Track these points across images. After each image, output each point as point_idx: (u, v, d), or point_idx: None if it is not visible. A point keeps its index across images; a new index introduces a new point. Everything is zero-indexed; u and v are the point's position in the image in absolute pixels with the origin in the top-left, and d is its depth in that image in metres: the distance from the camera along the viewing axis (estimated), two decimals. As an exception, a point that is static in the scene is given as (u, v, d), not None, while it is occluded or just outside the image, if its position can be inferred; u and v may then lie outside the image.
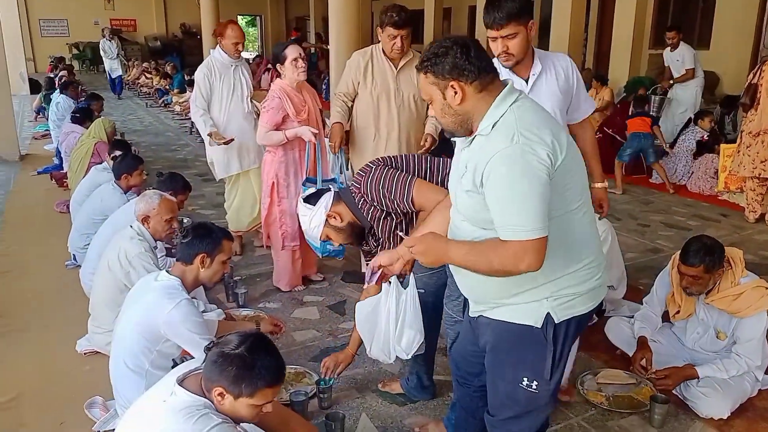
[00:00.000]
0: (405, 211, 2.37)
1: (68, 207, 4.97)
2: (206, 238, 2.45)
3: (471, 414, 2.25)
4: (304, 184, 3.46)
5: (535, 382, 1.80)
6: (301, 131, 3.59)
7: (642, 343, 2.96)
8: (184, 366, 1.91)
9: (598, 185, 2.83)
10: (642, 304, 3.21)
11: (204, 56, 16.33)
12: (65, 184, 6.12)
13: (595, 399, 2.82)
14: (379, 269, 2.13)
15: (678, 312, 2.95)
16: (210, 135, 4.19)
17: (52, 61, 15.16)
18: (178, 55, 20.77)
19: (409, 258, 1.85)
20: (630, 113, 7.31)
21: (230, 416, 1.77)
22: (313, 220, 2.45)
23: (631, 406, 2.77)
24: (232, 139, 4.20)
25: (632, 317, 3.23)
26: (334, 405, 2.76)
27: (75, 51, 21.73)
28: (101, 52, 14.63)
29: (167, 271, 2.46)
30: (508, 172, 1.56)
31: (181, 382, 1.80)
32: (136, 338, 2.37)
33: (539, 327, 1.73)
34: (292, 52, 3.64)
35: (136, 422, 1.79)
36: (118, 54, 14.50)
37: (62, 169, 6.60)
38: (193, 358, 2.18)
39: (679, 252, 2.82)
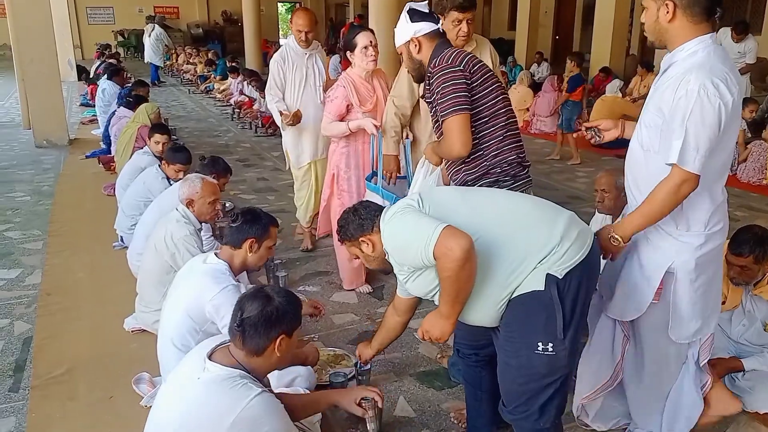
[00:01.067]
0: (436, 119, 2.46)
1: (115, 190, 5.11)
2: (255, 224, 2.50)
3: (477, 387, 2.30)
4: (368, 179, 3.40)
5: (550, 344, 1.83)
6: (363, 123, 3.41)
7: None
8: (210, 341, 1.94)
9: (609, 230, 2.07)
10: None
11: (245, 43, 16.60)
12: (112, 167, 6.30)
13: (636, 389, 2.78)
14: None
15: (723, 302, 2.88)
16: (281, 114, 4.07)
17: (98, 48, 15.52)
18: (220, 42, 21.04)
19: (436, 336, 1.96)
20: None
21: (283, 361, 1.88)
22: (400, 32, 2.55)
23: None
24: (300, 117, 4.05)
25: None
26: (373, 387, 2.80)
27: (120, 38, 22.21)
28: (156, 40, 14.84)
29: (215, 254, 2.53)
30: (392, 231, 1.90)
31: (209, 356, 1.83)
32: (183, 318, 2.44)
33: (542, 289, 1.79)
34: (362, 39, 3.44)
35: (172, 401, 1.82)
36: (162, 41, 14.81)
37: (110, 153, 6.79)
38: None
39: (727, 241, 2.75)
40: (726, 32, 7.52)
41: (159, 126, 5.22)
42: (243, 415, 1.70)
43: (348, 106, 3.49)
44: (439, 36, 2.53)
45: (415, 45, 2.51)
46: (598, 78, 10.76)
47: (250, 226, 2.49)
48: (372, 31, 3.60)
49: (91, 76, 12.26)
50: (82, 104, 11.32)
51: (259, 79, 10.02)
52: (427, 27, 2.49)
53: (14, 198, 5.78)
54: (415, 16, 2.50)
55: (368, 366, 2.80)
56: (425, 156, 2.68)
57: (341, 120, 3.51)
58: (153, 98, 10.65)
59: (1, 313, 3.52)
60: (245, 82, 10.84)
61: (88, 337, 3.28)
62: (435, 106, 2.42)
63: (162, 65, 15.23)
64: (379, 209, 2.04)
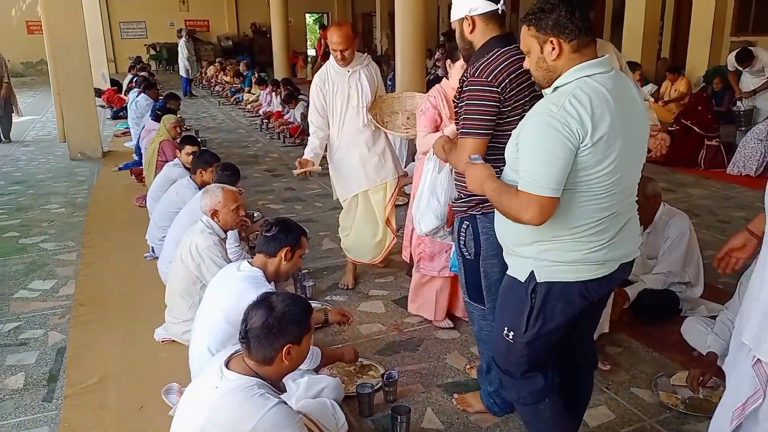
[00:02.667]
0: (458, 120, 2.34)
1: (146, 201, 5.20)
2: (290, 233, 2.57)
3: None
4: None
5: (511, 333, 1.98)
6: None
7: (709, 360, 2.70)
8: (224, 352, 1.97)
9: None
10: (722, 304, 3.06)
11: (273, 55, 16.79)
12: (144, 179, 6.41)
13: (670, 401, 2.71)
14: None
15: None
16: (297, 161, 3.72)
17: (132, 63, 15.86)
18: (249, 54, 21.32)
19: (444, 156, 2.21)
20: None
21: (294, 367, 1.90)
22: (457, 6, 2.34)
23: (708, 410, 2.64)
24: (310, 173, 3.75)
25: (711, 317, 3.08)
26: (400, 399, 2.78)
27: (152, 52, 22.68)
28: (180, 53, 14.99)
29: (249, 262, 2.56)
30: (536, 130, 1.74)
31: (226, 365, 1.86)
32: (221, 324, 2.45)
33: (522, 281, 1.91)
34: None
35: (191, 412, 1.84)
36: (192, 55, 15.00)
37: (141, 165, 6.91)
38: None
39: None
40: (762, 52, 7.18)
41: (188, 138, 5.31)
42: (260, 425, 1.71)
43: (439, 115, 3.12)
44: (497, 20, 2.27)
45: (469, 24, 2.29)
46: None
47: (286, 236, 2.56)
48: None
49: (124, 89, 12.49)
50: (113, 117, 11.57)
51: (288, 88, 10.10)
52: (484, 6, 2.25)
53: (50, 210, 5.92)
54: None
55: (395, 377, 2.79)
56: (434, 150, 2.48)
57: (436, 131, 3.10)
58: (183, 110, 10.85)
59: (37, 324, 3.60)
60: (273, 93, 10.95)
61: (119, 347, 3.32)
62: (460, 114, 2.28)
63: (188, 76, 15.32)
64: (592, 34, 1.76)
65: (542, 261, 1.87)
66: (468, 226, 2.38)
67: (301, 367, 2.44)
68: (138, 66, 14.95)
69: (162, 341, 3.32)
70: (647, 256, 3.46)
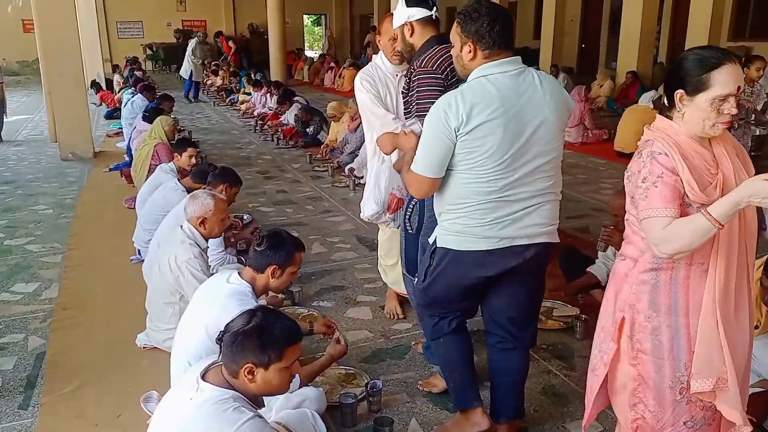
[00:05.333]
0: (408, 113, 2.64)
1: (135, 203, 5.13)
2: (279, 250, 2.45)
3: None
4: None
5: (416, 279, 2.45)
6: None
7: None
8: (203, 362, 1.91)
9: None
10: None
11: (270, 56, 16.71)
12: (133, 180, 6.34)
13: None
14: None
15: (757, 327, 2.72)
16: None
17: (127, 62, 15.73)
18: (246, 54, 21.23)
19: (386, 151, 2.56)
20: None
21: (263, 393, 1.80)
22: (397, 15, 2.72)
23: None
24: None
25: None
26: (384, 409, 2.71)
27: (149, 51, 22.60)
28: (190, 55, 14.17)
29: (239, 274, 2.48)
30: (427, 117, 2.08)
31: (203, 376, 1.81)
32: (202, 340, 2.36)
33: (430, 243, 2.26)
34: (726, 78, 1.62)
35: (166, 423, 1.80)
36: (203, 58, 14.70)
37: (131, 166, 6.84)
38: None
39: (761, 266, 2.57)
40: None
41: (185, 140, 5.25)
42: None
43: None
44: (432, 24, 2.66)
45: (409, 29, 2.66)
46: (625, 84, 10.56)
47: (274, 252, 2.44)
48: (738, 61, 1.71)
49: (115, 90, 12.38)
50: (107, 117, 11.49)
51: (280, 90, 10.06)
52: (419, 13, 2.63)
53: (37, 211, 5.84)
54: (411, 0, 2.65)
55: (379, 386, 2.73)
56: (378, 143, 2.68)
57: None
58: (178, 111, 10.78)
59: (17, 328, 3.53)
60: (268, 94, 10.89)
61: (100, 352, 3.25)
62: (412, 104, 2.56)
63: (187, 78, 14.94)
64: (508, 48, 2.06)
65: (442, 229, 2.18)
66: (416, 203, 2.66)
67: (306, 409, 2.38)
68: (134, 65, 14.84)
69: (143, 347, 3.25)
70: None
